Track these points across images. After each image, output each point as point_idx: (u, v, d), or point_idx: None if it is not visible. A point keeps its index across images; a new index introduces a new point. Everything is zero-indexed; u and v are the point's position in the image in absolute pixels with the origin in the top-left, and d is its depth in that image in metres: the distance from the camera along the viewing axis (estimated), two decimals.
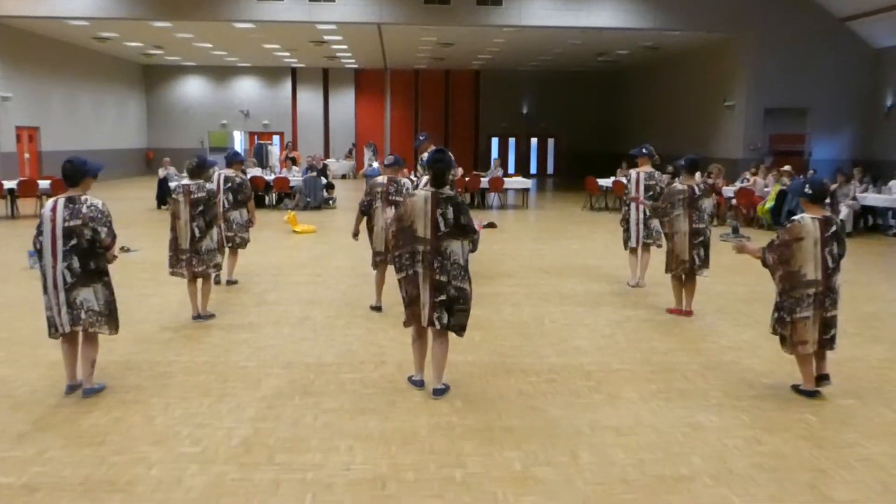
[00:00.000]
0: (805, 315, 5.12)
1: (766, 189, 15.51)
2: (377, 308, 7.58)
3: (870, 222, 15.26)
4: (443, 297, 4.93)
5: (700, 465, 4.15)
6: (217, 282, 8.47)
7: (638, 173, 8.89)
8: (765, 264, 5.28)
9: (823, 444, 4.44)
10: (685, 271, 7.46)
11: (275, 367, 5.77)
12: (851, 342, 6.72)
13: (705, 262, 7.43)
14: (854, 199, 14.45)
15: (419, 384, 5.29)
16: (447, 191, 5.00)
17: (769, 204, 14.88)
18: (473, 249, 5.08)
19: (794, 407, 5.05)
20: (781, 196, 14.78)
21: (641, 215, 8.82)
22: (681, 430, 4.64)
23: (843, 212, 14.25)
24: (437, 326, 5.01)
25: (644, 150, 9.00)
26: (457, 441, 4.42)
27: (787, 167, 15.73)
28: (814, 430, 4.67)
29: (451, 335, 5.17)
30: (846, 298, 8.55)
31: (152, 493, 3.75)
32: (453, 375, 5.57)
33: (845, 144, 20.87)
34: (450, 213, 4.89)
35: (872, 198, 14.62)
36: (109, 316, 5.11)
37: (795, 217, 5.26)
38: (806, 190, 5.24)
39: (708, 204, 7.52)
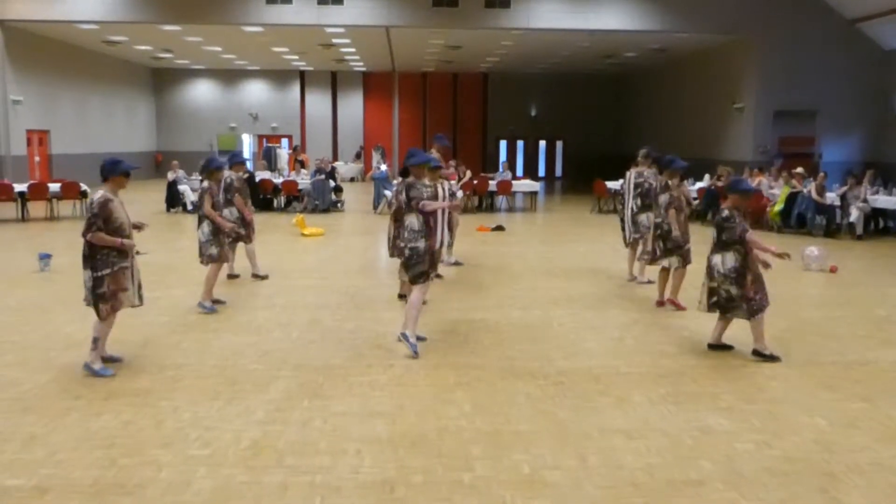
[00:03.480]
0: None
1: (771, 191, 15.42)
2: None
3: (881, 225, 15.16)
4: (401, 258, 6.39)
5: (710, 469, 4.13)
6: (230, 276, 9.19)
7: (629, 173, 9.40)
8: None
9: (834, 448, 4.42)
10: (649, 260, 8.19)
11: (283, 370, 5.78)
12: (862, 345, 6.68)
13: (665, 254, 7.94)
14: (865, 201, 14.34)
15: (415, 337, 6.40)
16: (408, 180, 6.22)
17: (778, 206, 14.81)
18: (420, 208, 6.06)
19: (805, 410, 5.03)
20: (791, 199, 14.71)
21: (629, 212, 9.29)
22: (690, 433, 4.62)
23: (854, 214, 14.15)
24: (403, 279, 6.56)
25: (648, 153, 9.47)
26: (465, 444, 4.42)
27: (799, 169, 15.64)
28: (824, 433, 4.64)
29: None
30: (856, 301, 8.58)
31: (161, 496, 3.76)
32: (461, 378, 5.58)
33: (855, 146, 20.77)
34: (404, 194, 6.17)
35: (883, 200, 14.51)
36: (93, 298, 5.50)
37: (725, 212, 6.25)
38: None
39: (663, 199, 7.93)
